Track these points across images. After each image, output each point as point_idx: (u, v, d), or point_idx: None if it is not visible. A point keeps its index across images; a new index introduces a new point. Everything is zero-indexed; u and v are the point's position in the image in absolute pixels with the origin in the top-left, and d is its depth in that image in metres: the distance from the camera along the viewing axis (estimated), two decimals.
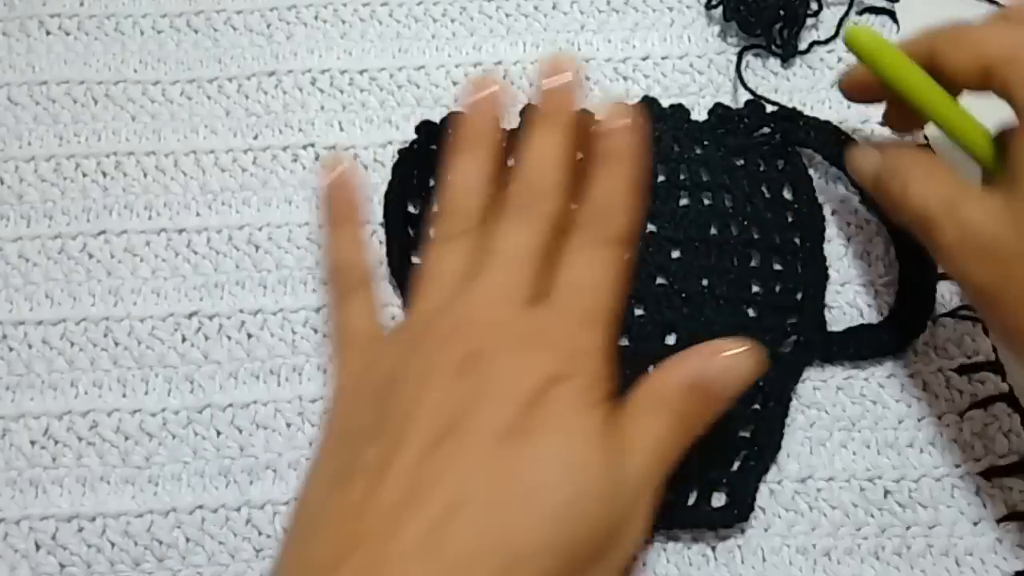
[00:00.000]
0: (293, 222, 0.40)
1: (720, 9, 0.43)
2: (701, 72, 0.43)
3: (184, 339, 0.38)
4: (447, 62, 0.43)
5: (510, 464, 0.27)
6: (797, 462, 0.36)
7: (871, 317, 0.38)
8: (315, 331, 0.38)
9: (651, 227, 0.39)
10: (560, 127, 0.32)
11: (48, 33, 0.44)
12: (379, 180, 0.40)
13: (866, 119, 0.41)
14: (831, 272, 0.38)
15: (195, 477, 0.36)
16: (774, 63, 0.43)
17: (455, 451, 0.27)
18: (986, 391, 0.37)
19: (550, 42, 0.44)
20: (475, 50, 0.43)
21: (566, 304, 0.30)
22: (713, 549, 0.35)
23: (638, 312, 0.37)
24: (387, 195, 0.40)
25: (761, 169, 0.40)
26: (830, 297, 0.38)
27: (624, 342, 0.37)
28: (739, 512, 0.35)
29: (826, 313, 0.38)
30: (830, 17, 0.44)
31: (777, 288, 0.38)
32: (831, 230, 0.39)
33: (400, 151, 0.41)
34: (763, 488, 0.35)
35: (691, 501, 0.35)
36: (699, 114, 0.41)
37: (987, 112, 0.33)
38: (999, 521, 0.35)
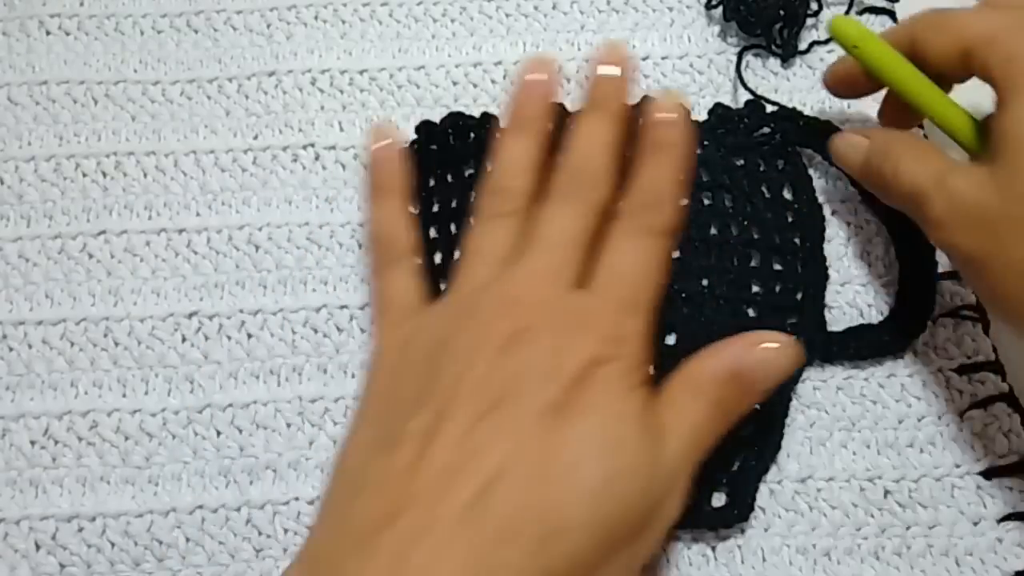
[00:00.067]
0: (293, 222, 0.40)
1: (720, 9, 0.43)
2: (701, 72, 0.43)
3: (184, 339, 0.38)
4: (447, 62, 0.43)
5: (552, 440, 0.28)
6: (797, 462, 0.36)
7: (871, 317, 0.38)
8: (315, 331, 0.38)
9: None
10: (610, 116, 0.33)
11: (48, 33, 0.44)
12: None
13: (867, 119, 0.41)
14: (831, 272, 0.38)
15: (195, 477, 0.36)
16: (774, 63, 0.43)
17: (501, 424, 0.28)
18: (986, 391, 0.37)
19: (550, 42, 0.44)
20: (475, 50, 0.43)
21: (609, 289, 0.31)
22: (713, 549, 0.35)
23: None
24: None
25: (761, 169, 0.40)
26: (830, 297, 0.38)
27: None
28: (739, 512, 0.35)
29: (826, 313, 0.38)
30: (830, 17, 0.43)
31: (777, 288, 0.38)
32: (831, 230, 0.39)
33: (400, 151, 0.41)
34: (763, 488, 0.35)
35: (691, 501, 0.35)
36: (699, 114, 0.41)
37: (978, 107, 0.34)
38: (999, 521, 0.35)
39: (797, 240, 0.39)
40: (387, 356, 0.32)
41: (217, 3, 0.44)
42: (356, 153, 0.41)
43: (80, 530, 0.35)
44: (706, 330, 0.36)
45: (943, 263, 0.38)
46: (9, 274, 0.39)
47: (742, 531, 0.35)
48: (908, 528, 0.35)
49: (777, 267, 0.38)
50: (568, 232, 0.32)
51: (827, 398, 0.37)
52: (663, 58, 0.43)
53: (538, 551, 0.26)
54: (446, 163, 0.40)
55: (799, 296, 0.38)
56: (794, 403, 0.36)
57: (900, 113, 0.37)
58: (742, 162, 0.40)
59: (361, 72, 0.43)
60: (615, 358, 0.29)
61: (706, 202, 0.39)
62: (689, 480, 0.30)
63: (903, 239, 0.39)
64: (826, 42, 0.43)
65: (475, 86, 0.43)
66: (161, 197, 0.40)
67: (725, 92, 0.42)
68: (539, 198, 0.33)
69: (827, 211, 0.39)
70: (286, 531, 0.35)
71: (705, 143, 0.40)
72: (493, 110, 0.41)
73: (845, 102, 0.41)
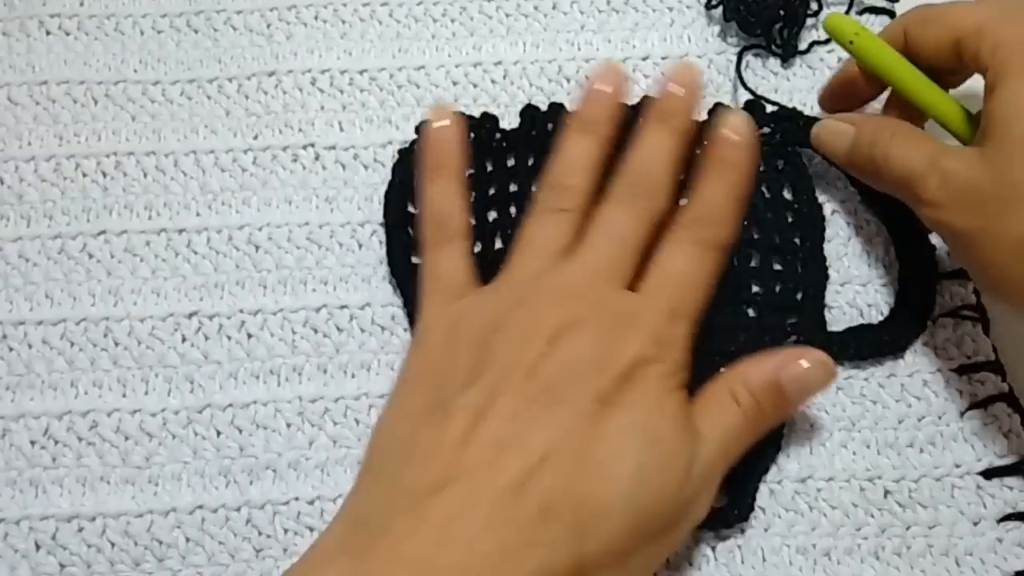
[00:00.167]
0: (293, 222, 0.40)
1: (720, 9, 0.43)
2: (701, 72, 0.43)
3: (184, 339, 0.38)
4: (447, 62, 0.43)
5: (597, 430, 0.29)
6: (797, 462, 0.36)
7: (871, 317, 0.38)
8: (315, 331, 0.38)
9: None
10: (674, 131, 0.34)
11: (48, 33, 0.44)
12: (379, 180, 0.40)
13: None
14: (831, 272, 0.38)
15: (195, 477, 0.36)
16: (774, 63, 0.43)
17: (550, 409, 0.29)
18: (986, 391, 0.37)
19: (550, 42, 0.44)
20: (475, 50, 0.43)
21: (659, 294, 0.32)
22: (713, 549, 0.35)
23: None
24: (387, 195, 0.40)
25: (761, 169, 0.40)
26: (830, 297, 0.38)
27: None
28: (739, 512, 0.35)
29: (826, 313, 0.38)
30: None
31: (777, 288, 0.38)
32: (831, 230, 0.39)
33: (400, 151, 0.41)
34: (763, 488, 0.35)
35: None
36: (699, 114, 0.41)
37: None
38: (999, 521, 0.35)
39: (797, 240, 0.39)
40: (436, 331, 0.33)
41: (217, 3, 0.44)
42: (356, 153, 0.41)
43: (80, 530, 0.35)
44: (706, 330, 0.36)
45: (943, 263, 0.38)
46: (9, 274, 0.39)
47: (742, 531, 0.35)
48: (908, 528, 0.35)
49: (777, 267, 0.38)
50: (623, 235, 0.33)
51: (827, 398, 0.37)
52: (663, 58, 0.43)
53: (574, 533, 0.28)
54: None
55: (799, 296, 0.38)
56: None
57: (902, 116, 0.38)
58: None
59: (361, 72, 0.43)
60: (659, 360, 0.31)
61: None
62: (717, 484, 0.31)
63: (903, 239, 0.39)
64: (826, 42, 0.43)
65: (475, 86, 0.43)
66: (161, 197, 0.40)
67: (725, 92, 0.42)
68: (595, 199, 0.34)
69: (827, 211, 0.39)
70: (286, 531, 0.35)
71: (705, 143, 0.40)
72: (493, 110, 0.41)
73: None
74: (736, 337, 0.37)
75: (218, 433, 0.36)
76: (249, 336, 0.38)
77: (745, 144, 0.33)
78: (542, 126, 0.40)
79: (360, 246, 0.39)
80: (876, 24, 0.43)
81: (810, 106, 0.42)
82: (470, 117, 0.41)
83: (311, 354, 0.38)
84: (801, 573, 0.34)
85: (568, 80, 0.43)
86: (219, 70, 0.43)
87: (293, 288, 0.39)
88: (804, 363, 0.32)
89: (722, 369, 0.35)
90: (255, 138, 0.42)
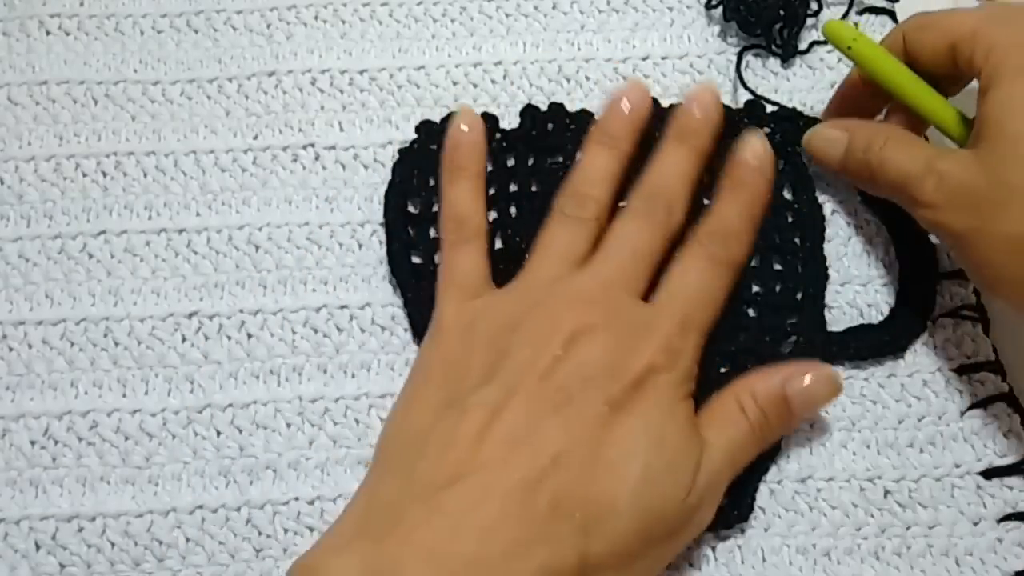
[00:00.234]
0: (293, 222, 0.40)
1: (720, 9, 0.43)
2: (701, 72, 0.43)
3: (184, 339, 0.38)
4: (447, 62, 0.43)
5: (608, 433, 0.30)
6: (797, 462, 0.36)
7: (871, 317, 0.38)
8: (315, 331, 0.38)
9: None
10: (693, 150, 0.36)
11: (48, 33, 0.44)
12: (379, 180, 0.40)
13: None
14: (831, 272, 0.38)
15: (195, 477, 0.36)
16: (774, 63, 0.43)
17: (564, 410, 0.31)
18: (986, 391, 0.37)
19: (550, 42, 0.44)
20: (475, 50, 0.43)
21: (672, 305, 0.33)
22: (713, 549, 0.35)
23: None
24: (387, 195, 0.40)
25: None
26: (830, 297, 0.38)
27: None
28: (739, 512, 0.35)
29: (826, 313, 0.38)
30: (830, 17, 0.44)
31: (777, 288, 0.38)
32: (831, 230, 0.39)
33: (400, 151, 0.41)
34: (763, 488, 0.35)
35: None
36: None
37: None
38: (999, 521, 0.35)
39: (797, 240, 0.39)
40: (453, 328, 0.34)
41: (217, 3, 0.44)
42: (356, 153, 0.41)
43: (80, 530, 0.35)
44: None
45: (943, 263, 0.38)
46: (9, 274, 0.39)
47: (742, 531, 0.35)
48: (908, 528, 0.35)
49: (777, 267, 0.38)
50: (638, 247, 0.34)
51: None
52: (663, 58, 0.43)
53: (582, 532, 0.29)
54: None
55: (799, 296, 0.38)
56: None
57: (904, 124, 0.38)
58: None
59: (361, 72, 0.43)
60: (670, 369, 0.32)
61: (706, 202, 0.39)
62: (722, 493, 0.32)
63: (903, 239, 0.39)
64: (826, 42, 0.43)
65: (475, 86, 0.43)
66: (161, 197, 0.40)
67: (725, 92, 0.42)
68: (613, 210, 0.36)
69: (827, 211, 0.39)
70: (286, 531, 0.35)
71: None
72: (493, 110, 0.41)
73: None
74: (736, 337, 0.37)
75: (218, 433, 0.36)
76: (249, 336, 0.38)
77: (763, 168, 0.35)
78: (542, 126, 0.40)
79: (360, 246, 0.39)
80: (876, 24, 0.43)
81: (810, 106, 0.42)
82: None
83: (311, 354, 0.38)
84: (801, 573, 0.34)
85: (568, 80, 0.43)
86: (219, 70, 0.43)
87: (293, 288, 0.39)
88: (809, 376, 0.33)
89: (722, 369, 0.35)
90: (255, 138, 0.42)
